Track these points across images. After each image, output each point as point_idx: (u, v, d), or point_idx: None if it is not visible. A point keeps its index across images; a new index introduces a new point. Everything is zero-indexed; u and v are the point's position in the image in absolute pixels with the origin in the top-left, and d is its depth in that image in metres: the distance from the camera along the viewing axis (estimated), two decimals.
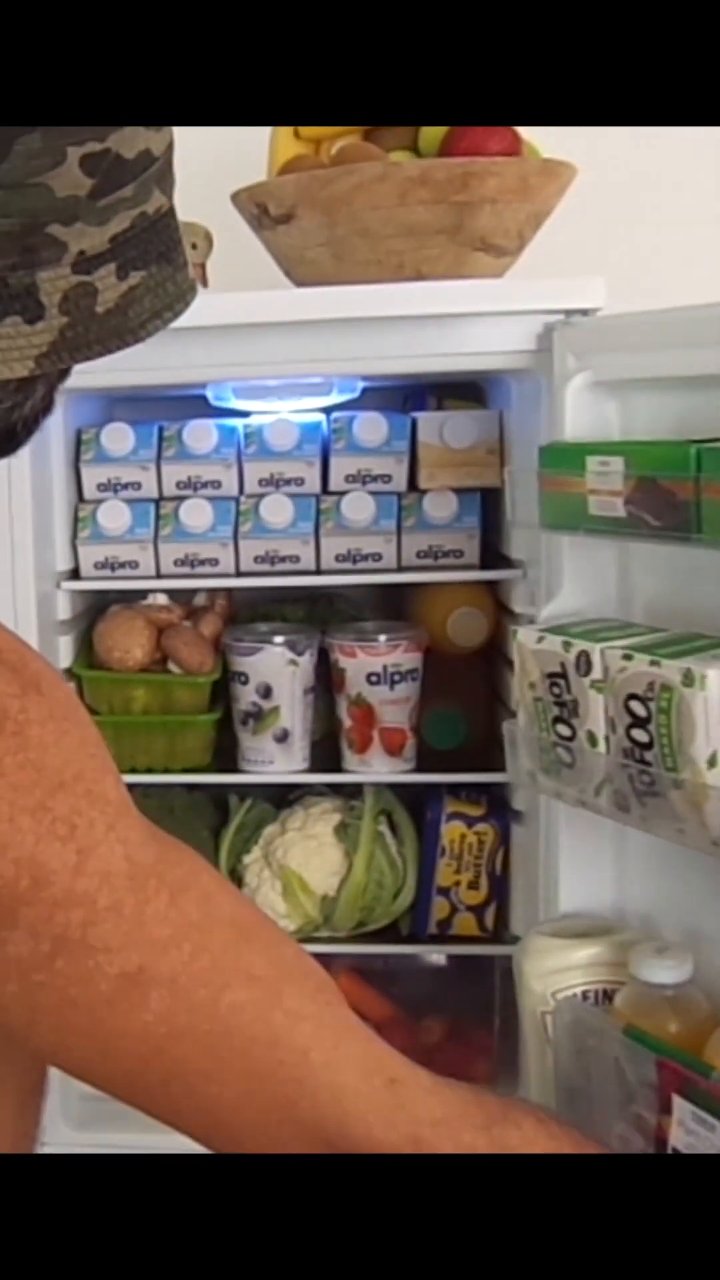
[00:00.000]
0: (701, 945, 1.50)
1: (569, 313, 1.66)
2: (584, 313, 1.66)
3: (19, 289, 0.78)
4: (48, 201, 0.78)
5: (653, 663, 1.35)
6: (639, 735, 1.37)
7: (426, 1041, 2.02)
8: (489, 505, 1.95)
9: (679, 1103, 1.31)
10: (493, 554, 1.95)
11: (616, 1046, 1.41)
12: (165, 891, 0.88)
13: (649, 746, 1.36)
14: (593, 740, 1.44)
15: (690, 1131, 1.29)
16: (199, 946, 0.89)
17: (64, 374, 0.91)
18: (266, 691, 1.91)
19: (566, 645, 1.46)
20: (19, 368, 0.80)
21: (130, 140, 0.83)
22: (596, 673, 1.43)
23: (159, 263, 0.85)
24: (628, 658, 1.38)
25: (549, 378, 1.65)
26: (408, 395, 2.05)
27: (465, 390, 2.04)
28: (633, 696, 1.37)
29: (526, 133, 1.74)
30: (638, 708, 1.37)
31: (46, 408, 0.92)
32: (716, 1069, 1.32)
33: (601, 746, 1.44)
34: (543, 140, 1.76)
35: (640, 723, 1.37)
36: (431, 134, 1.77)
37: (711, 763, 1.30)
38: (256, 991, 0.92)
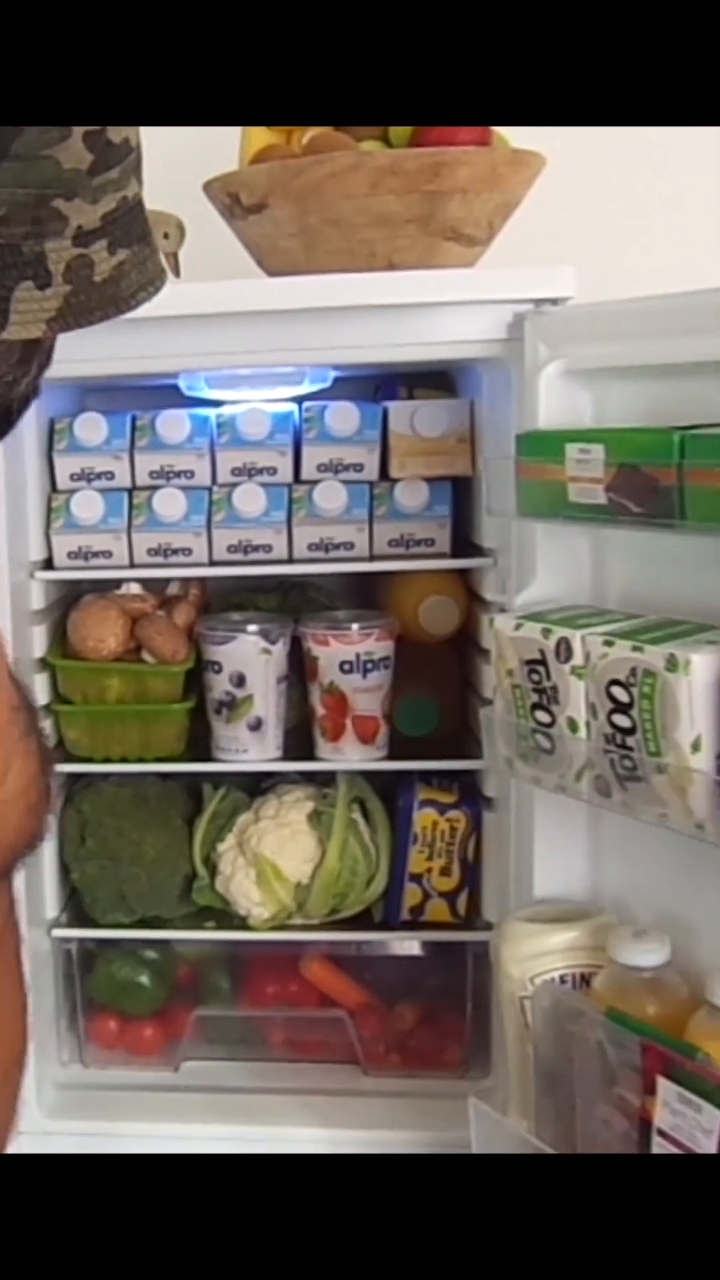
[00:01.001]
0: (677, 928, 1.52)
1: (539, 302, 1.67)
2: (554, 302, 1.67)
3: (30, 257, 0.82)
4: (55, 174, 0.82)
5: (635, 648, 1.36)
6: (621, 721, 1.39)
7: (399, 1027, 2.03)
8: (460, 494, 1.95)
9: (664, 1084, 1.33)
10: (464, 542, 1.96)
11: (599, 1029, 1.42)
12: None
13: (631, 732, 1.38)
14: (573, 726, 1.46)
15: (676, 1112, 1.31)
16: None
17: (49, 358, 0.95)
18: (240, 680, 1.92)
19: (546, 632, 1.48)
20: (33, 329, 0.85)
21: (116, 127, 0.88)
22: (577, 659, 1.44)
23: (139, 243, 0.90)
24: (609, 644, 1.40)
25: (520, 367, 1.67)
26: (379, 385, 2.06)
27: (436, 380, 2.05)
28: (615, 682, 1.39)
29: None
30: (620, 693, 1.38)
31: (36, 389, 0.96)
32: (701, 1050, 1.34)
33: (582, 732, 1.45)
34: (512, 130, 1.77)
35: (622, 708, 1.38)
36: None
37: (695, 747, 1.32)
38: None
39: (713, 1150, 1.27)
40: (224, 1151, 1.81)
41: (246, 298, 1.72)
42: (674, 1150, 1.31)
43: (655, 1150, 1.34)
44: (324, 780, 2.01)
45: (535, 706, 1.51)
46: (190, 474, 1.94)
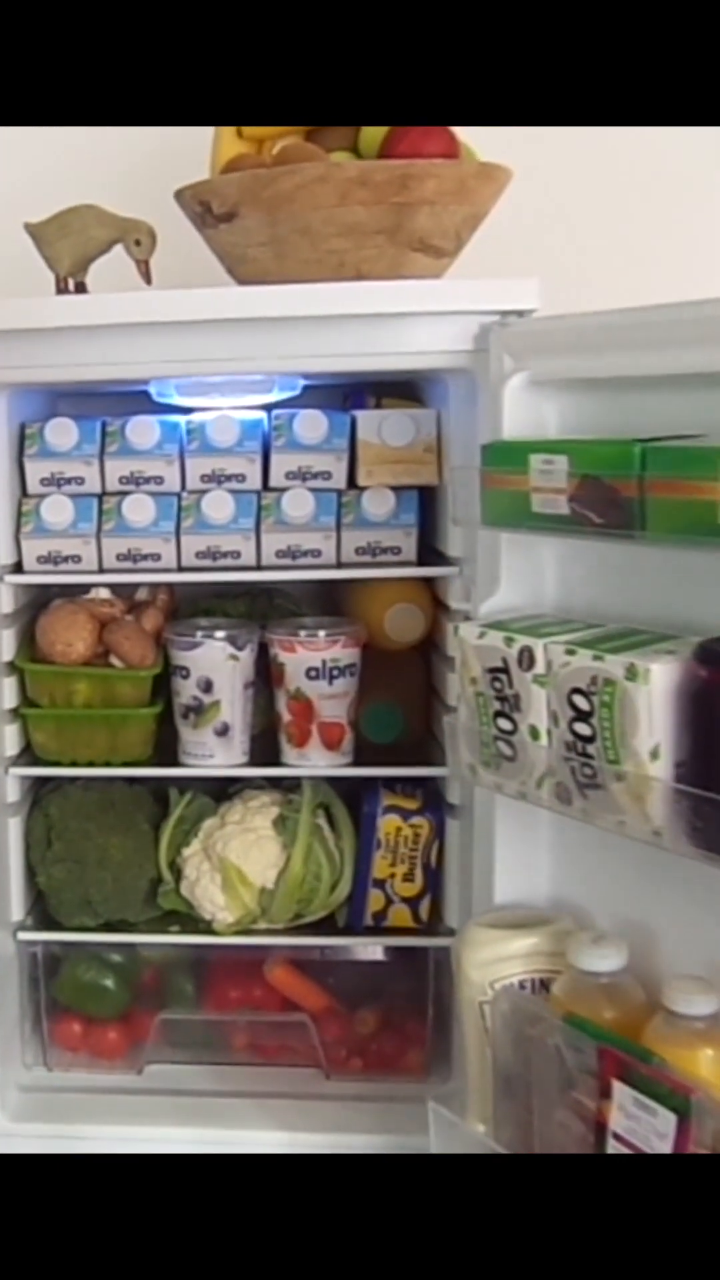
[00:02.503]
0: (634, 934, 1.54)
1: (504, 314, 1.69)
2: (519, 314, 1.69)
3: None
4: None
5: (596, 657, 1.38)
6: (581, 729, 1.41)
7: (361, 1032, 2.04)
8: (426, 503, 1.97)
9: (619, 1088, 1.35)
10: (430, 551, 1.97)
11: (557, 1034, 1.44)
12: None
13: (591, 740, 1.40)
14: (535, 734, 1.47)
15: (630, 1116, 1.33)
16: None
17: None
18: (207, 686, 1.93)
19: (509, 640, 1.49)
20: None
21: None
22: (539, 667, 1.46)
23: None
24: (570, 652, 1.41)
25: (486, 377, 1.68)
26: (348, 394, 2.07)
27: (403, 389, 2.06)
28: (576, 690, 1.40)
29: (464, 136, 1.76)
30: (581, 701, 1.40)
31: None
32: (656, 1055, 1.35)
33: (544, 740, 1.47)
34: (480, 144, 1.79)
35: (583, 716, 1.40)
36: (371, 136, 1.79)
37: (654, 755, 1.34)
38: None
39: (666, 1152, 1.29)
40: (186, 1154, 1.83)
41: (217, 306, 1.73)
42: (629, 1153, 1.33)
43: (610, 1153, 1.35)
44: (289, 786, 2.02)
45: (498, 714, 1.52)
46: (160, 480, 1.95)
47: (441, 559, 1.91)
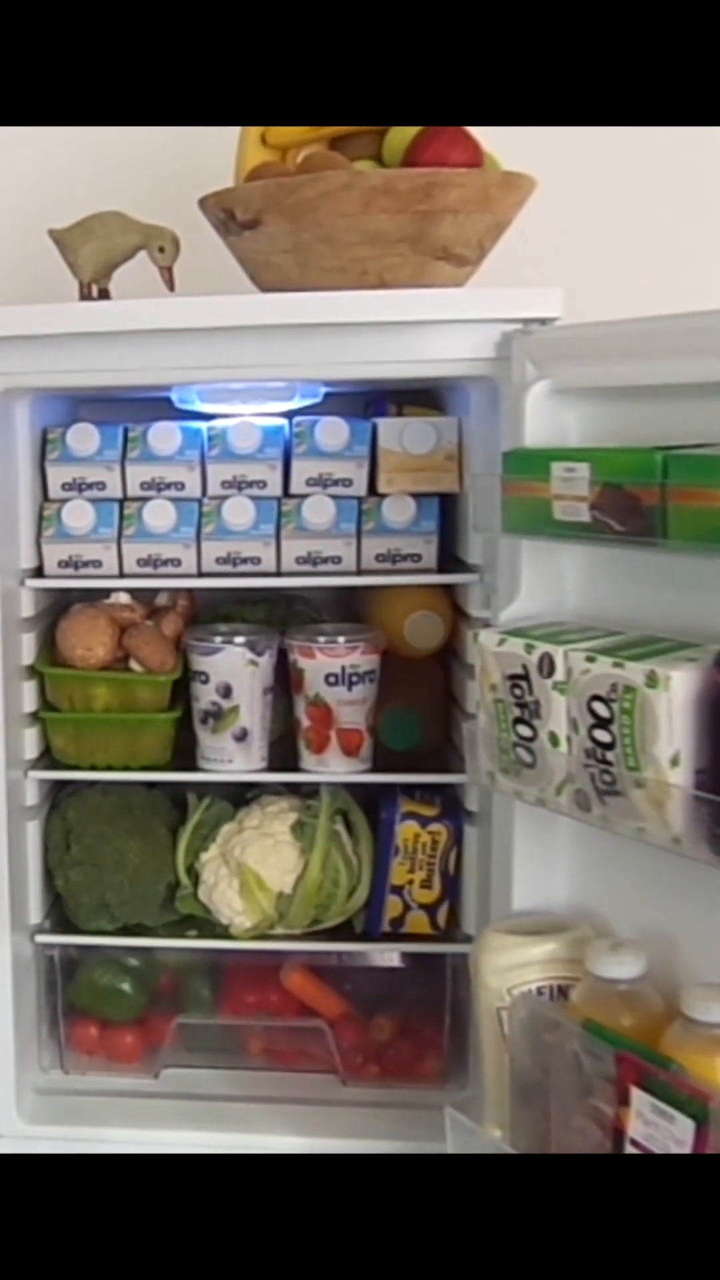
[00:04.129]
0: (653, 942, 1.54)
1: (527, 322, 1.69)
2: (542, 322, 1.69)
3: None
4: None
5: (616, 664, 1.38)
6: (601, 736, 1.41)
7: (378, 1039, 2.05)
8: (447, 510, 1.98)
9: (638, 1095, 1.35)
10: (450, 558, 1.98)
11: (575, 1041, 1.44)
12: None
13: (611, 747, 1.40)
14: (554, 741, 1.48)
15: (649, 1123, 1.33)
16: None
17: None
18: (226, 691, 1.94)
19: (529, 647, 1.50)
20: None
21: None
22: (559, 674, 1.46)
23: None
24: (591, 660, 1.42)
25: (508, 385, 1.69)
26: (369, 401, 2.08)
27: (424, 397, 2.07)
28: (596, 698, 1.41)
29: (488, 145, 1.77)
30: (600, 709, 1.40)
31: None
32: (675, 1062, 1.35)
33: (563, 747, 1.47)
34: (504, 153, 1.79)
35: (603, 723, 1.40)
36: (395, 144, 1.80)
37: (674, 762, 1.34)
38: None
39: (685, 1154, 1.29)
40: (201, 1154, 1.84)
41: (239, 313, 1.74)
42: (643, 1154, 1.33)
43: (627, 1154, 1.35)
44: (308, 791, 2.02)
45: (517, 721, 1.53)
46: (181, 486, 1.96)
47: (461, 566, 1.92)
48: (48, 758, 2.01)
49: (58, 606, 2.04)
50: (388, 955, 2.04)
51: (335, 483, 1.95)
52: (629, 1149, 1.35)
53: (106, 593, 2.01)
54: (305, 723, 1.96)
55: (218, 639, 1.95)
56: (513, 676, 1.52)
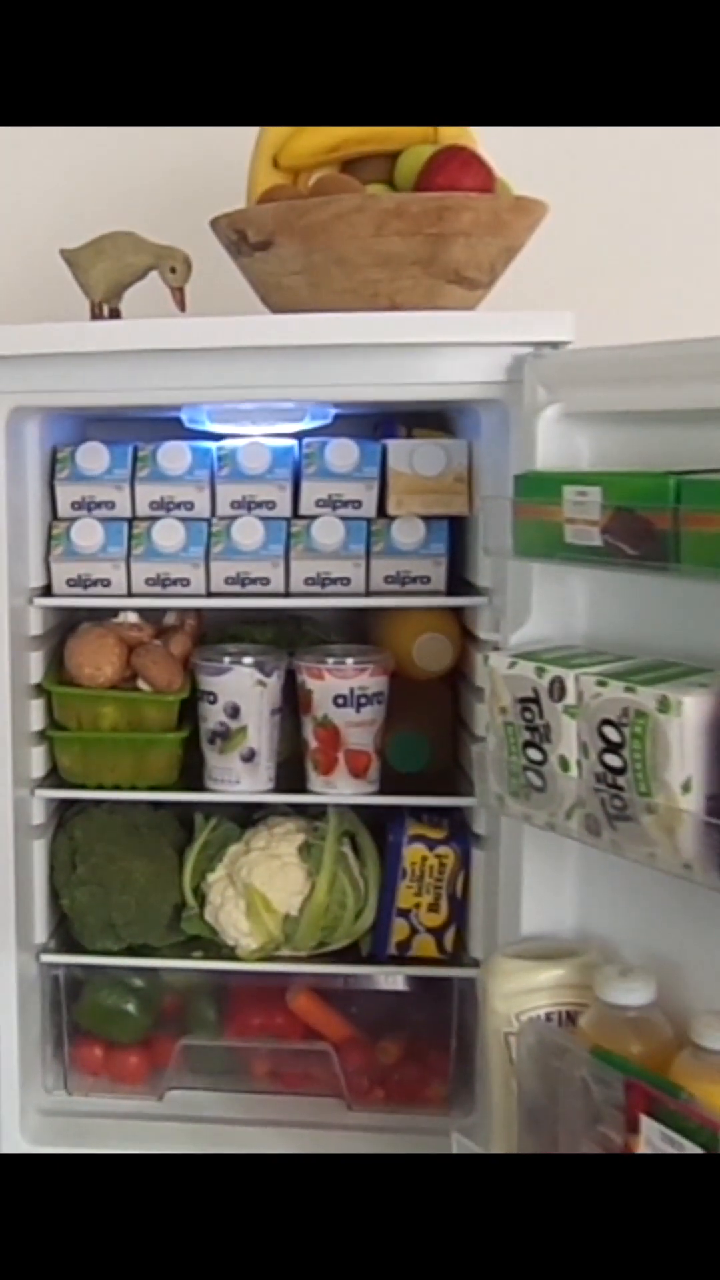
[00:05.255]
0: (663, 968, 1.53)
1: (538, 345, 1.70)
2: (553, 346, 1.69)
3: None
4: None
5: (628, 689, 1.38)
6: (612, 760, 1.40)
7: (383, 1062, 2.04)
8: (456, 533, 1.97)
9: (647, 1123, 1.34)
10: (459, 581, 1.98)
11: (583, 1067, 1.43)
12: None
13: (622, 771, 1.39)
14: (564, 765, 1.47)
15: (658, 1151, 1.32)
16: None
17: None
18: (234, 711, 1.93)
19: (540, 671, 1.49)
20: None
21: None
22: (570, 698, 1.46)
23: None
24: (602, 684, 1.41)
25: (519, 409, 1.69)
26: (379, 423, 2.08)
27: (434, 420, 2.07)
28: (607, 722, 1.40)
29: (499, 170, 1.77)
30: (611, 733, 1.40)
31: None
32: (684, 1090, 1.35)
33: (573, 771, 1.47)
34: (515, 178, 1.79)
35: (614, 748, 1.40)
36: (408, 168, 1.80)
37: (686, 788, 1.33)
38: None
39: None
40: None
41: (250, 333, 1.74)
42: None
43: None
44: (315, 813, 2.02)
45: (527, 744, 1.52)
46: (190, 505, 1.96)
47: (471, 589, 1.92)
48: (54, 776, 2.00)
49: (66, 625, 2.04)
50: (394, 978, 2.03)
51: (345, 504, 1.95)
52: None
53: (115, 612, 2.00)
54: (313, 744, 1.95)
55: (226, 659, 1.94)
56: (523, 700, 1.52)
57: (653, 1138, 1.33)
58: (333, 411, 1.96)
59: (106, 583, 1.95)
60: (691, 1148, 1.29)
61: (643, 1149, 1.34)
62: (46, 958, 2.01)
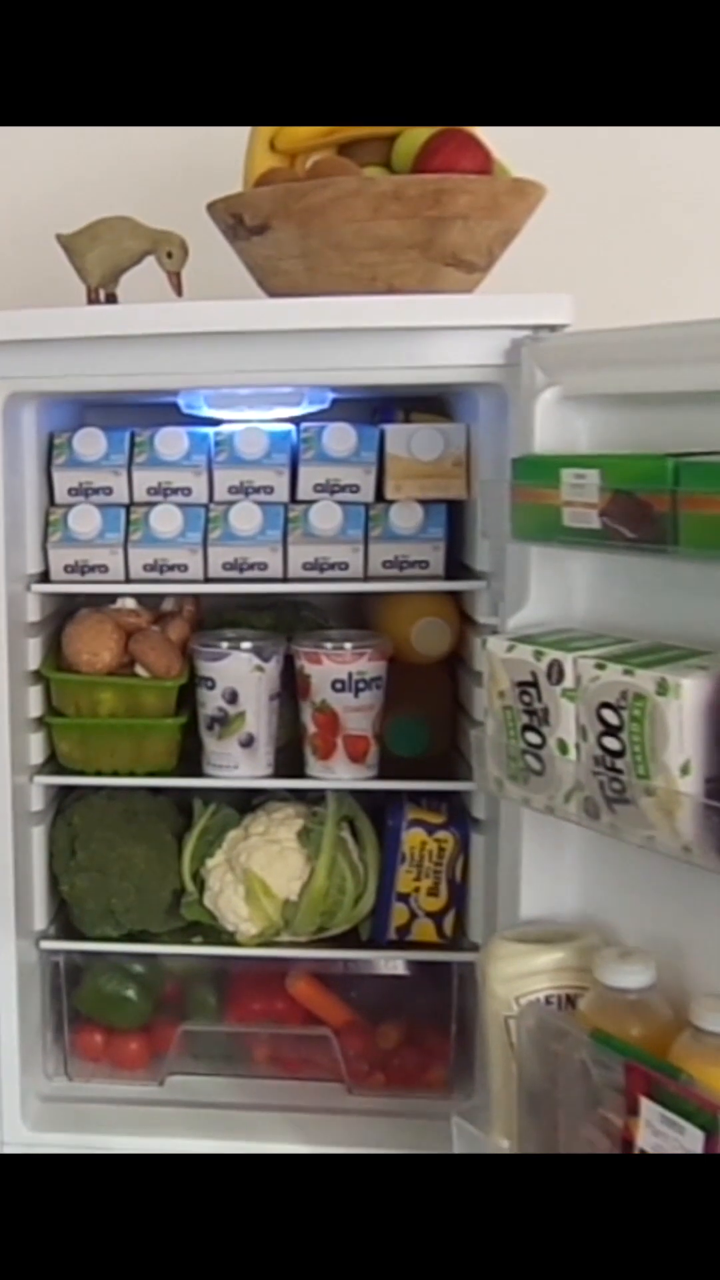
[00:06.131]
0: (662, 951, 1.53)
1: (536, 329, 1.69)
2: (551, 329, 1.69)
3: None
4: None
5: (626, 672, 1.38)
6: (611, 743, 1.40)
7: (384, 1046, 2.04)
8: (454, 517, 1.97)
9: (647, 1105, 1.34)
10: (457, 565, 1.97)
11: (583, 1050, 1.43)
12: None
13: (621, 754, 1.39)
14: (563, 748, 1.47)
15: (658, 1133, 1.32)
16: None
17: None
18: (232, 697, 1.93)
19: (538, 654, 1.49)
20: None
21: None
22: (568, 681, 1.45)
23: None
24: (600, 667, 1.41)
25: (517, 392, 1.68)
26: (376, 408, 2.07)
27: (432, 404, 2.07)
28: (605, 705, 1.40)
29: (497, 152, 1.77)
30: (610, 716, 1.40)
31: None
32: (684, 1072, 1.35)
33: (572, 754, 1.46)
34: (513, 160, 1.79)
35: (612, 731, 1.40)
36: (405, 150, 1.79)
37: (684, 770, 1.33)
38: None
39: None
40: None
41: (247, 318, 1.74)
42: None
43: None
44: (314, 798, 2.02)
45: (526, 728, 1.52)
46: (187, 491, 1.96)
47: (469, 573, 1.91)
48: (53, 763, 2.00)
49: (64, 611, 2.03)
50: (394, 963, 2.03)
51: (342, 489, 1.95)
52: None
53: (113, 598, 2.00)
54: (312, 729, 1.95)
55: (224, 644, 1.94)
56: (521, 683, 1.51)
57: (652, 1120, 1.33)
58: (330, 396, 1.96)
59: (104, 569, 1.95)
60: (691, 1129, 1.29)
61: (643, 1131, 1.34)
62: (46, 944, 2.01)
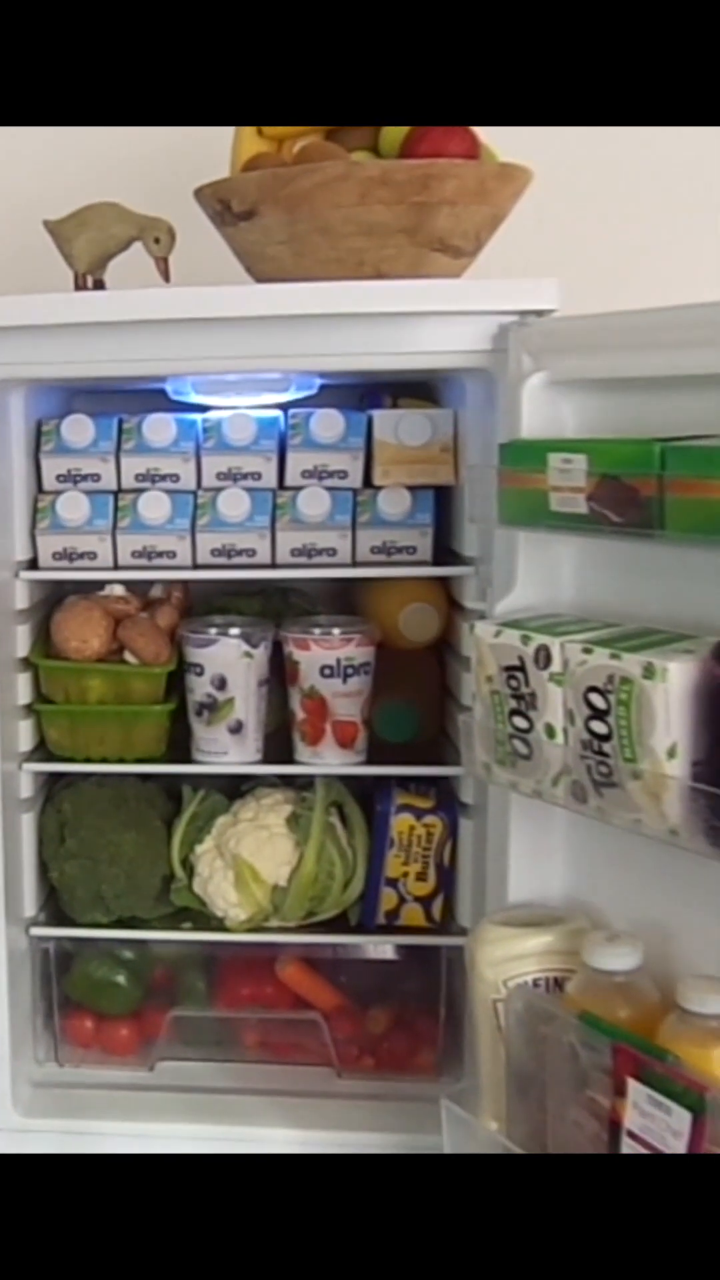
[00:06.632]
0: (649, 933, 1.54)
1: (523, 314, 1.69)
2: (538, 314, 1.69)
3: None
4: None
5: (613, 656, 1.38)
6: (598, 727, 1.41)
7: (373, 1031, 2.05)
8: (442, 502, 1.97)
9: (634, 1086, 1.35)
10: (445, 550, 1.97)
11: (571, 1032, 1.44)
12: None
13: (608, 738, 1.40)
14: (551, 732, 1.48)
15: (645, 1115, 1.33)
16: None
17: None
18: (221, 683, 1.93)
19: (525, 639, 1.50)
20: None
21: None
22: (556, 666, 1.46)
23: None
24: (588, 651, 1.42)
25: (504, 377, 1.68)
26: (364, 393, 2.07)
27: (420, 390, 2.07)
28: (592, 689, 1.41)
29: (484, 137, 1.77)
30: (597, 700, 1.40)
31: None
32: (671, 1053, 1.35)
33: (559, 738, 1.47)
34: (500, 145, 1.79)
35: (600, 715, 1.40)
36: (392, 135, 1.79)
37: (671, 754, 1.34)
38: None
39: (681, 1150, 1.29)
40: (197, 1151, 1.83)
41: (235, 304, 1.74)
42: (643, 1151, 1.33)
43: (625, 1151, 1.35)
44: (303, 784, 2.02)
45: (514, 712, 1.52)
46: (175, 478, 1.96)
47: (457, 559, 1.92)
48: (42, 750, 2.00)
49: (52, 599, 2.03)
50: (383, 948, 2.04)
51: (330, 475, 1.95)
52: (625, 1140, 1.35)
53: (101, 585, 2.00)
54: (300, 715, 1.96)
55: (213, 631, 1.94)
56: (509, 668, 1.52)
57: (640, 1101, 1.34)
58: (318, 382, 1.96)
59: (92, 555, 1.95)
60: (679, 1110, 1.30)
61: (630, 1113, 1.35)
62: (36, 931, 2.02)
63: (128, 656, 1.95)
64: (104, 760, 1.99)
